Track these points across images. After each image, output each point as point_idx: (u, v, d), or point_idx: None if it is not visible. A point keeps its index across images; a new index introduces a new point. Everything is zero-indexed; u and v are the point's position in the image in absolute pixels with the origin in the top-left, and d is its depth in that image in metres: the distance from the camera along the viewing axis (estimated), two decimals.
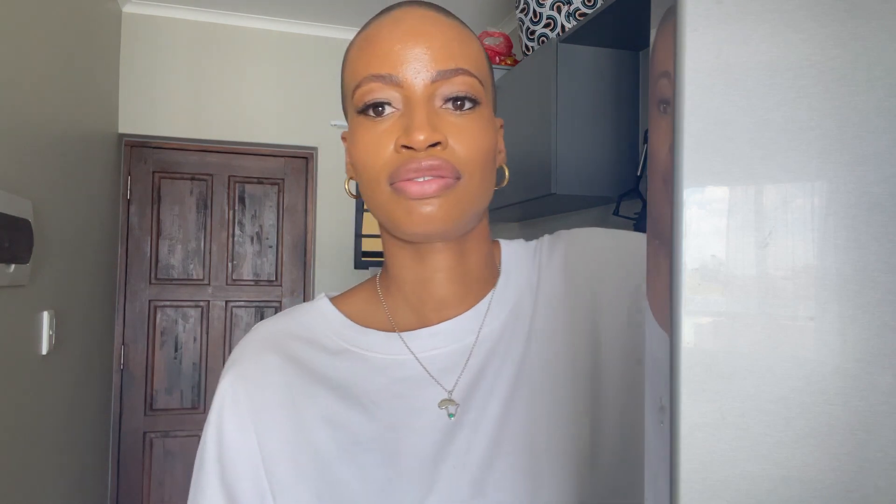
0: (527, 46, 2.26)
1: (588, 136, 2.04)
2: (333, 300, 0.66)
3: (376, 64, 0.55)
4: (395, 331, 0.62)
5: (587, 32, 1.96)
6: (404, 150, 0.53)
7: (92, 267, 2.52)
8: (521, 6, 2.23)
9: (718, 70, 0.24)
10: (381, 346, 0.61)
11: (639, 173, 2.02)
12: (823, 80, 0.23)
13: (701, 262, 0.23)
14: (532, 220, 2.87)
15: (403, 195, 0.53)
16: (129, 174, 3.02)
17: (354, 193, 0.63)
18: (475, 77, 0.56)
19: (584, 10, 2.06)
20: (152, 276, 3.03)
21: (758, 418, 0.23)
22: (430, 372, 0.60)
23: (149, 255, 3.02)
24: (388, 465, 0.57)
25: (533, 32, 2.19)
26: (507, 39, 2.64)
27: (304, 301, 3.20)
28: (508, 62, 2.58)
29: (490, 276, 0.64)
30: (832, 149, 0.23)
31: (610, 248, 0.65)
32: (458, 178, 0.54)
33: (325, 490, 0.57)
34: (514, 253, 0.67)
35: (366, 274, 3.23)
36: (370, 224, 3.44)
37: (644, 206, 1.99)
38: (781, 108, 0.24)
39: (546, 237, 0.68)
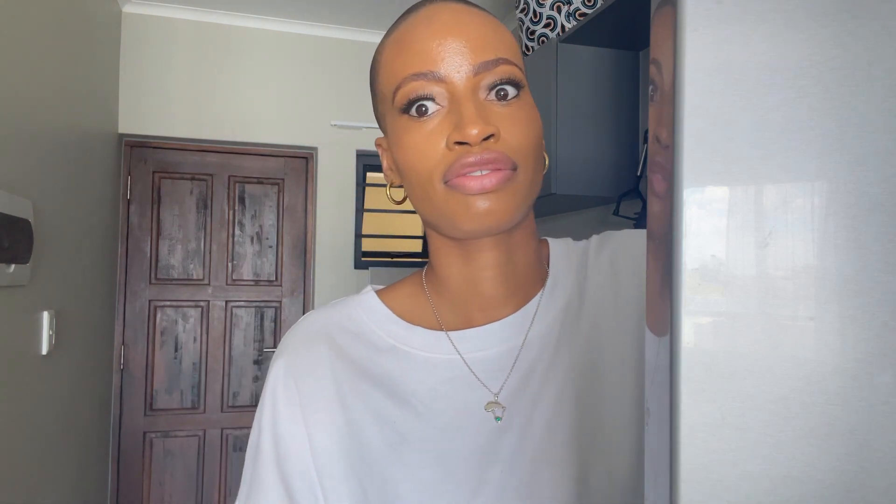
0: (527, 46, 2.26)
1: (588, 136, 2.04)
2: (380, 294, 0.65)
3: (416, 63, 0.54)
4: (442, 329, 0.61)
5: (587, 32, 1.96)
6: (457, 147, 0.52)
7: (92, 267, 2.52)
8: (521, 6, 2.23)
9: (718, 70, 0.24)
10: (428, 344, 0.61)
11: (639, 173, 2.02)
12: (823, 81, 0.23)
13: (701, 262, 0.23)
14: None
15: (460, 191, 0.52)
16: (129, 174, 3.02)
17: (398, 200, 0.63)
18: (515, 65, 0.55)
19: (584, 10, 2.07)
20: (152, 276, 3.03)
21: (758, 418, 0.23)
22: (476, 373, 0.59)
23: (149, 255, 3.03)
24: (435, 465, 0.56)
25: (533, 32, 2.19)
26: None
27: (304, 300, 3.20)
28: None
29: (538, 275, 0.63)
30: (832, 149, 0.24)
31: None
32: (515, 169, 0.53)
33: (371, 488, 0.57)
34: (563, 252, 0.66)
35: (366, 274, 3.23)
36: (370, 224, 3.44)
37: (644, 206, 1.99)
38: (781, 108, 0.24)
39: (594, 237, 0.68)
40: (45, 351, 1.93)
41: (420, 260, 3.47)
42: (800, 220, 0.24)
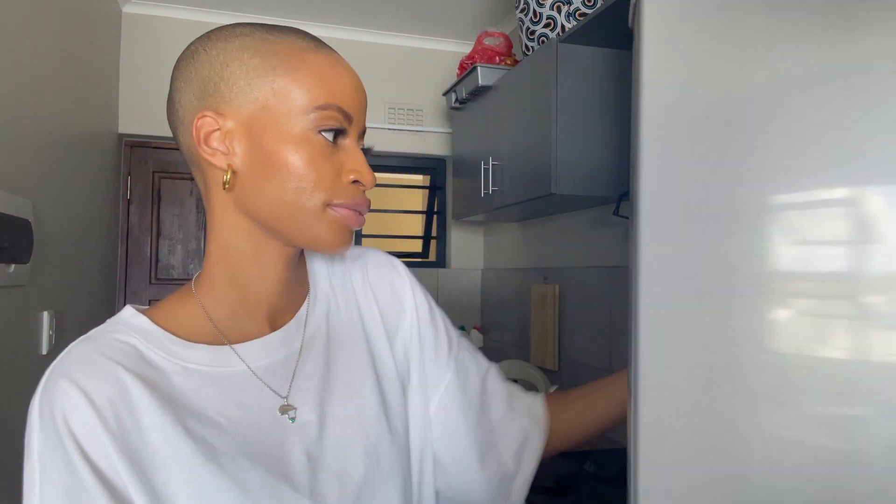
0: (527, 46, 2.26)
1: (588, 136, 2.04)
2: (149, 314, 0.66)
3: (344, 98, 0.62)
4: (224, 343, 0.64)
5: (587, 32, 1.96)
6: (354, 184, 0.64)
7: (92, 267, 2.52)
8: (521, 6, 2.23)
9: None
10: (215, 360, 0.63)
11: None
12: None
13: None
14: (532, 220, 2.87)
15: (338, 218, 0.63)
16: (129, 174, 3.02)
17: (226, 183, 0.62)
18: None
19: (584, 10, 2.07)
20: (152, 276, 3.03)
21: None
22: (264, 380, 0.64)
23: (149, 255, 3.03)
24: (253, 468, 0.59)
25: (533, 32, 2.19)
26: (507, 39, 2.64)
27: None
28: (508, 62, 2.58)
29: (304, 282, 0.73)
30: None
31: (388, 268, 0.78)
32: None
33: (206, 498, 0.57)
34: (316, 259, 0.75)
35: None
36: (370, 224, 3.44)
37: None
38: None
39: (353, 249, 0.78)
40: (45, 351, 1.93)
41: (420, 260, 3.47)
42: None
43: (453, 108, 2.86)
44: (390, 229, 3.33)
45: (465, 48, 3.35)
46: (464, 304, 3.41)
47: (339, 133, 0.63)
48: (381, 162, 3.36)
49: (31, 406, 0.61)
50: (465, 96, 2.66)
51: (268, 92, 0.60)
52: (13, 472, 1.73)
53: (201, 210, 3.09)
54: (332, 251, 0.64)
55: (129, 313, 0.66)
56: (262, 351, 0.65)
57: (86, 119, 2.40)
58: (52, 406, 0.58)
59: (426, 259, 3.50)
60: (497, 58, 2.58)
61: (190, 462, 0.57)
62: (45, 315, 1.94)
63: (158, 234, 3.04)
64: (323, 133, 0.61)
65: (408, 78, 3.31)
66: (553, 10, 2.11)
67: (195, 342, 0.63)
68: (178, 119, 0.64)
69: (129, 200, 3.01)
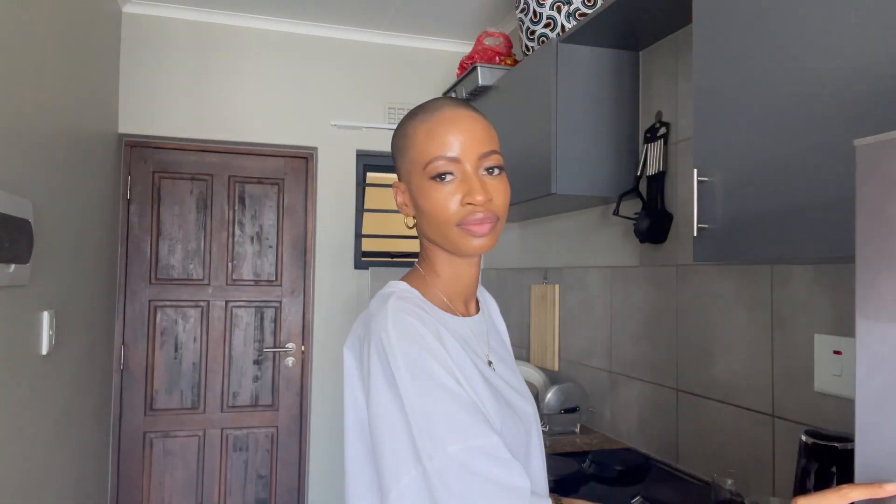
0: (527, 46, 2.26)
1: (588, 136, 2.04)
2: (420, 291, 0.95)
3: (444, 148, 0.89)
4: (457, 315, 0.97)
5: (587, 32, 1.96)
6: (468, 206, 0.89)
7: (92, 267, 2.52)
8: (521, 6, 2.23)
9: None
10: (461, 325, 0.96)
11: (639, 173, 2.03)
12: None
13: None
14: (532, 220, 2.87)
15: (468, 233, 0.90)
16: (129, 174, 3.02)
17: (410, 227, 0.98)
18: (499, 153, 0.93)
19: (584, 10, 2.07)
20: (152, 276, 3.03)
21: None
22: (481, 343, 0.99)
23: (149, 255, 3.03)
24: (491, 389, 0.91)
25: (533, 32, 2.19)
26: (507, 39, 2.64)
27: (304, 300, 3.20)
28: (508, 62, 2.58)
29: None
30: None
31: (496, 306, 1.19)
32: (497, 220, 0.92)
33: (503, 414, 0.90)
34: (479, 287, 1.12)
35: (366, 274, 3.23)
36: (370, 224, 3.44)
37: (644, 206, 1.99)
38: None
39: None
40: (45, 351, 1.93)
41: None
42: None
43: None
44: (390, 229, 3.33)
45: (465, 48, 3.35)
46: None
47: (445, 174, 0.89)
48: (381, 162, 3.36)
49: (385, 335, 0.85)
50: (465, 96, 2.66)
51: (407, 161, 0.93)
52: (14, 471, 1.73)
53: (201, 210, 3.10)
54: (467, 253, 0.93)
55: (405, 286, 0.95)
56: (471, 325, 0.99)
57: (86, 119, 2.40)
58: (410, 327, 0.85)
59: None
60: (497, 58, 2.58)
61: (479, 377, 0.88)
62: (45, 315, 1.94)
63: (158, 234, 3.04)
64: (435, 179, 0.89)
65: (408, 78, 3.31)
66: (553, 10, 2.11)
67: (448, 312, 0.96)
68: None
69: (129, 200, 3.01)
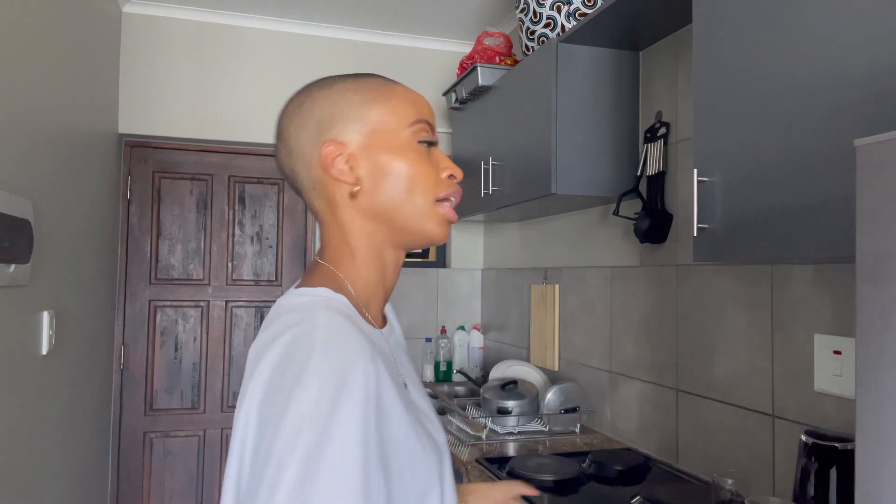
0: (527, 46, 2.26)
1: (588, 136, 2.04)
2: (344, 295, 0.77)
3: (428, 115, 0.81)
4: (375, 327, 0.80)
5: (587, 32, 1.96)
6: (450, 179, 0.80)
7: (92, 267, 2.52)
8: (521, 6, 2.23)
9: None
10: (378, 337, 0.78)
11: (638, 173, 2.03)
12: None
13: None
14: (532, 220, 2.87)
15: (443, 214, 0.79)
16: (129, 174, 3.02)
17: (354, 197, 0.79)
18: None
19: (584, 10, 2.07)
20: (152, 276, 3.03)
21: None
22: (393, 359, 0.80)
23: (149, 255, 3.03)
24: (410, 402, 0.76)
25: (533, 32, 2.19)
26: (507, 39, 2.64)
27: None
28: (508, 62, 2.58)
29: None
30: None
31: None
32: None
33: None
34: None
35: None
36: None
37: (644, 206, 1.99)
38: None
39: None
40: (45, 351, 1.93)
41: (420, 260, 3.47)
42: None
43: (453, 108, 2.86)
44: None
45: (465, 48, 3.35)
46: (464, 304, 3.41)
47: (430, 144, 0.80)
48: None
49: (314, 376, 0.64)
50: (465, 96, 2.66)
51: (373, 119, 0.77)
52: (14, 470, 1.73)
53: (201, 210, 3.10)
54: (438, 242, 0.80)
55: (327, 293, 0.75)
56: (386, 337, 0.82)
57: (86, 119, 2.40)
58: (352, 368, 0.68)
59: (426, 259, 3.50)
60: (497, 58, 2.58)
61: (404, 414, 0.69)
62: (45, 315, 1.94)
63: (158, 234, 3.04)
64: (420, 143, 0.79)
65: (408, 78, 3.31)
66: (553, 10, 2.11)
67: (367, 323, 0.78)
68: (296, 157, 0.80)
69: (129, 200, 3.01)
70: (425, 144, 0.79)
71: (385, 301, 0.84)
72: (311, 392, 0.61)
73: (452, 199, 0.80)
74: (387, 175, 0.77)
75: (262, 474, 0.60)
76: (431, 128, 0.81)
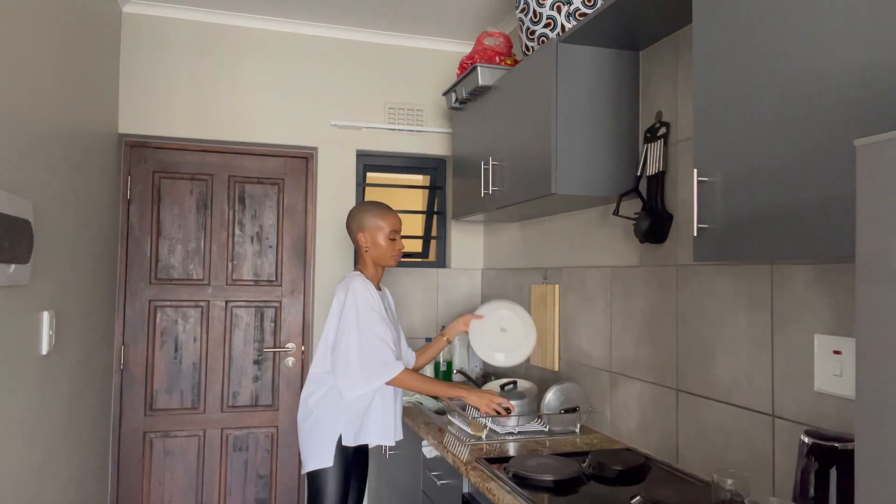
0: (527, 46, 2.26)
1: (588, 136, 2.04)
2: (367, 277, 2.28)
3: (397, 226, 2.28)
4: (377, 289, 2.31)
5: (587, 32, 1.96)
6: (399, 250, 2.29)
7: (92, 267, 2.52)
8: (521, 6, 2.23)
9: None
10: (384, 298, 2.34)
11: (638, 173, 2.03)
12: None
13: None
14: (532, 220, 2.87)
15: (395, 259, 2.29)
16: (129, 174, 3.02)
17: (366, 250, 2.30)
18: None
19: (584, 10, 2.07)
20: (152, 276, 3.03)
21: None
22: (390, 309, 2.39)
23: (149, 255, 3.03)
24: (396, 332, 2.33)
25: (533, 32, 2.19)
26: (507, 39, 2.64)
27: (304, 300, 3.20)
28: (508, 62, 2.58)
29: None
30: None
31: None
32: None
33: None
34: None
35: None
36: None
37: (644, 206, 1.99)
38: None
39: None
40: (45, 351, 1.93)
41: (420, 260, 3.48)
42: None
43: (453, 108, 2.86)
44: None
45: (465, 48, 3.35)
46: (464, 303, 3.41)
47: (396, 238, 2.27)
48: (381, 162, 3.36)
49: (353, 291, 2.15)
50: (465, 96, 2.66)
51: (376, 226, 2.24)
52: (14, 471, 1.73)
53: (201, 210, 3.10)
54: (391, 265, 2.29)
55: (361, 274, 2.26)
56: (381, 296, 2.28)
57: (86, 119, 2.40)
58: (366, 290, 2.18)
59: (426, 259, 3.50)
60: (497, 58, 2.58)
61: (387, 316, 2.23)
62: (45, 315, 1.94)
63: (158, 234, 3.04)
64: (391, 238, 2.26)
65: (408, 78, 3.31)
66: (553, 10, 2.11)
67: (374, 288, 2.25)
68: (351, 232, 2.27)
69: (129, 200, 3.01)
70: (393, 238, 2.24)
71: (378, 283, 2.27)
72: (355, 296, 2.13)
73: (398, 255, 2.27)
74: (376, 248, 2.24)
75: (347, 321, 2.12)
76: (397, 232, 2.24)
